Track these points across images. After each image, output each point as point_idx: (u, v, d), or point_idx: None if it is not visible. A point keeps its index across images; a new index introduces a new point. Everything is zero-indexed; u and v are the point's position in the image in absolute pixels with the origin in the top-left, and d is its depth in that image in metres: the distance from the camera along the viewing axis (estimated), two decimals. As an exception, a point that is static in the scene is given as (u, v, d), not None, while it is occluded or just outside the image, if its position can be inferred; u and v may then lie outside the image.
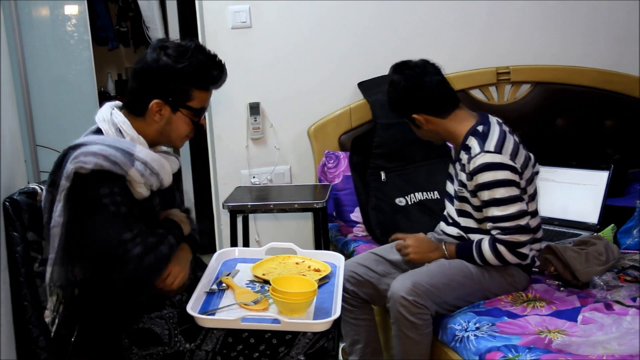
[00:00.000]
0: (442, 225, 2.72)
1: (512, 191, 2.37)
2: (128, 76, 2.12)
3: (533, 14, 3.84)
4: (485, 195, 2.38)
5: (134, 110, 2.07)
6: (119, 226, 1.92)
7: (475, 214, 2.50)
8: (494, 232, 2.41)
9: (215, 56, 2.08)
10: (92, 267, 1.98)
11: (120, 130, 2.03)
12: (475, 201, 2.46)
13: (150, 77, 2.02)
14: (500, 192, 2.36)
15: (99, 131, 2.05)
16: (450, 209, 2.65)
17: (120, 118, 2.04)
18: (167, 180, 2.10)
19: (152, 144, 2.11)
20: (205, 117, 2.17)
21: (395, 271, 2.61)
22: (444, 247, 2.55)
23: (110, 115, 2.05)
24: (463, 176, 2.47)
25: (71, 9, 4.30)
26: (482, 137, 2.43)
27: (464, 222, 2.56)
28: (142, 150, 2.00)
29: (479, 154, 2.38)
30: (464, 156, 2.46)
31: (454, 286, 2.43)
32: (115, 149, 1.93)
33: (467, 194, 2.48)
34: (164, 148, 2.21)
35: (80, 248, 1.95)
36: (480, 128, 2.47)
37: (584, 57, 3.91)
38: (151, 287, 2.04)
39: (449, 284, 2.42)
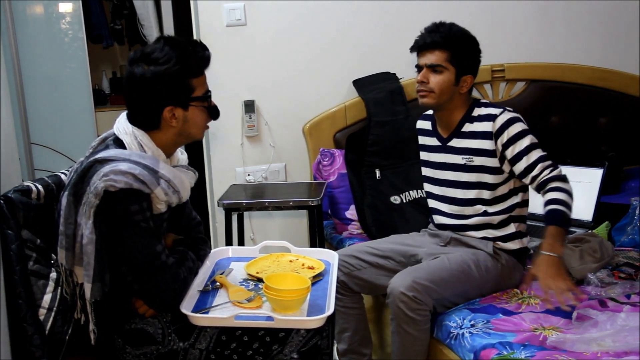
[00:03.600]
0: (438, 219, 2.74)
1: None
2: (124, 87, 2.08)
3: (527, 11, 3.85)
4: (525, 141, 2.49)
5: (147, 126, 2.05)
6: (151, 240, 1.95)
7: (492, 179, 2.56)
8: (545, 172, 2.45)
9: (189, 38, 2.08)
10: (130, 280, 1.98)
11: (141, 144, 2.03)
12: (494, 162, 2.53)
13: (149, 91, 2.00)
14: (534, 138, 2.51)
15: (117, 141, 2.04)
16: (446, 195, 2.68)
17: (139, 132, 2.04)
18: (186, 196, 2.12)
19: (172, 150, 2.12)
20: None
21: (388, 263, 2.63)
22: (552, 248, 2.30)
23: (132, 128, 2.04)
24: (475, 143, 2.56)
25: (65, 7, 4.30)
26: (492, 104, 2.63)
27: (472, 194, 2.60)
28: (164, 167, 2.00)
29: (501, 112, 2.55)
30: (473, 125, 2.58)
31: (453, 282, 2.44)
32: (142, 166, 1.93)
33: (480, 160, 2.55)
34: (182, 162, 2.21)
35: (118, 262, 1.97)
36: (482, 100, 2.66)
37: (578, 54, 3.92)
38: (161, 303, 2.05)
39: (448, 280, 2.43)
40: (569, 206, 2.38)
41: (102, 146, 2.07)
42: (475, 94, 3.76)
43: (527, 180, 2.49)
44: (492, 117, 2.54)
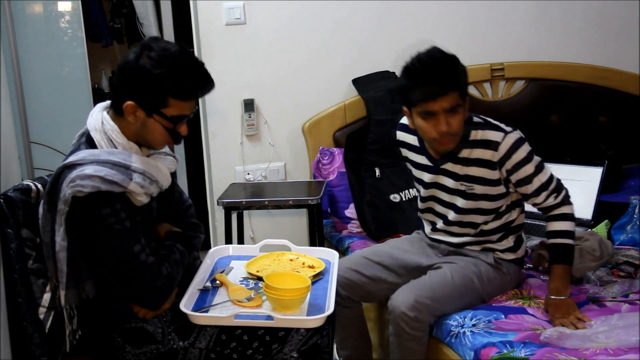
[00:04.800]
0: (432, 234, 2.65)
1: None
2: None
3: (527, 10, 3.85)
4: (530, 167, 2.38)
5: (115, 109, 2.00)
6: (128, 241, 1.92)
7: (493, 204, 2.45)
8: (550, 200, 2.40)
9: (199, 65, 1.97)
10: (112, 283, 1.98)
11: (111, 139, 1.98)
12: (499, 189, 2.41)
13: (127, 77, 1.95)
14: (537, 159, 2.41)
15: (90, 140, 2.00)
16: (440, 213, 2.57)
17: (109, 126, 1.98)
18: (166, 184, 2.09)
19: (138, 144, 2.04)
20: (187, 124, 2.04)
21: (390, 277, 2.57)
22: (560, 291, 2.35)
23: (102, 123, 1.99)
24: (476, 171, 2.41)
25: (65, 6, 4.29)
26: (488, 124, 2.42)
27: (468, 218, 2.49)
28: (137, 160, 1.96)
29: (504, 136, 2.36)
30: (472, 152, 2.39)
31: (455, 297, 2.40)
32: (111, 165, 1.89)
33: (483, 189, 2.42)
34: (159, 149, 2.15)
35: (95, 267, 1.96)
36: (473, 119, 2.43)
37: (577, 53, 3.91)
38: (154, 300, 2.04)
39: (450, 295, 2.39)
40: (572, 235, 2.39)
41: (75, 145, 2.03)
42: (474, 92, 3.76)
43: (530, 203, 2.46)
44: (493, 145, 2.36)
